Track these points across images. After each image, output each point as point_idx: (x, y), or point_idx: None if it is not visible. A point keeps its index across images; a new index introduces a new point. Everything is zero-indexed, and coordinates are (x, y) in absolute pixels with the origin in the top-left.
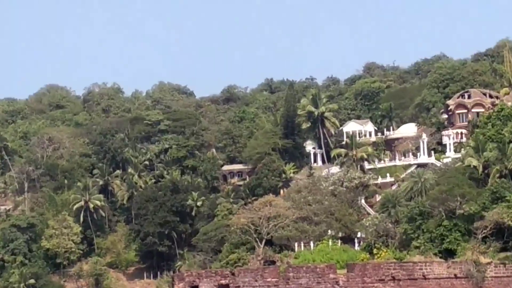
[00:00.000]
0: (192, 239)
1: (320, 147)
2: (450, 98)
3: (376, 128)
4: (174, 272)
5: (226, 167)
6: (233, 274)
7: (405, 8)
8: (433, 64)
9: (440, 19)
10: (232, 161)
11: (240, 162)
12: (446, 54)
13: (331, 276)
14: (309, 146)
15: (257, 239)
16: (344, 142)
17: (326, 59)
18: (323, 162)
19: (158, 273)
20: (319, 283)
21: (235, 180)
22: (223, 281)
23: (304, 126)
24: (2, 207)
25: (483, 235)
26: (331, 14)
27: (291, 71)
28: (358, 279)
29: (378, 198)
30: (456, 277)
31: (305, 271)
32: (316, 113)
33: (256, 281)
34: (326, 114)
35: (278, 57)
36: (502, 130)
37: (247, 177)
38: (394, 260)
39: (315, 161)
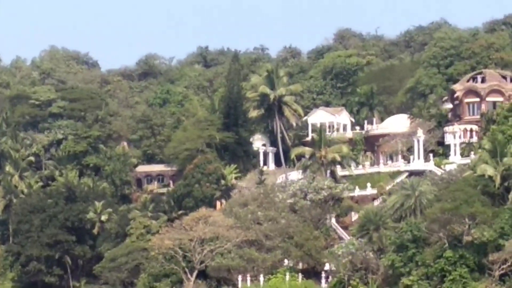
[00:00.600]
0: (94, 267)
1: (273, 144)
2: (455, 81)
3: (353, 120)
4: None
5: (142, 168)
6: None
7: None
8: (431, 34)
9: None
10: (150, 160)
11: (162, 162)
12: (448, 20)
13: None
14: (258, 142)
15: (186, 269)
16: (309, 138)
17: (282, 22)
18: (278, 164)
19: None
20: None
21: (153, 186)
22: None
23: (254, 114)
24: None
25: (501, 271)
26: None
27: (233, 38)
28: None
29: (354, 217)
30: None
31: None
32: (272, 96)
33: None
34: (286, 98)
35: (215, 18)
36: None
37: (171, 182)
38: None
39: (265, 163)
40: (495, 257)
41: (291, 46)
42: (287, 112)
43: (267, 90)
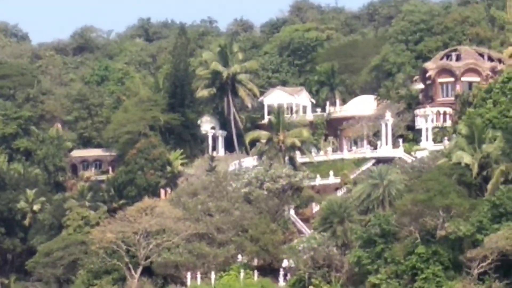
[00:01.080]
0: (26, 262)
1: (223, 128)
2: (426, 59)
3: (313, 101)
4: None
5: (78, 153)
6: None
7: None
8: (398, 7)
9: None
10: (86, 143)
11: (99, 146)
12: None
13: None
14: (207, 125)
15: (130, 265)
16: (265, 121)
17: None
18: (228, 149)
19: None
20: None
21: (90, 173)
22: None
23: (205, 93)
24: None
25: (480, 270)
26: None
27: (177, 9)
28: None
29: (315, 208)
30: None
31: None
32: (225, 74)
33: None
34: (241, 76)
35: None
36: (509, 110)
37: (110, 169)
38: None
39: (214, 148)
40: (474, 253)
41: (242, 18)
42: (241, 91)
43: (220, 67)
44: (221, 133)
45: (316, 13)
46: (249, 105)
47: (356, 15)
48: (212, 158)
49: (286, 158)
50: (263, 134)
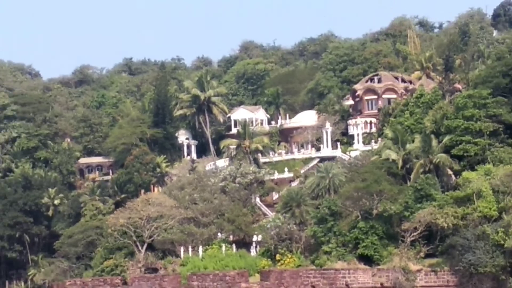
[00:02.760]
0: (54, 243)
1: (194, 138)
2: (349, 82)
3: (268, 116)
4: (26, 282)
5: (84, 160)
6: (125, 282)
7: None
8: (321, 44)
9: None
10: (89, 153)
11: (99, 154)
12: (334, 33)
13: (243, 285)
14: (182, 136)
15: (137, 243)
16: (233, 132)
17: (192, 36)
18: (200, 155)
19: (7, 282)
20: None
21: (94, 175)
22: None
23: (184, 112)
24: None
25: (412, 238)
26: None
27: (150, 50)
28: None
29: (275, 196)
30: (382, 286)
31: (212, 280)
32: (202, 97)
33: None
34: (214, 99)
35: (136, 33)
36: (422, 119)
37: (110, 171)
38: (313, 267)
39: (188, 154)
40: (407, 226)
41: (203, 56)
42: (215, 110)
43: (198, 92)
44: (193, 142)
45: (259, 50)
46: (221, 120)
47: (290, 52)
48: (193, 161)
49: (252, 159)
50: (233, 142)
